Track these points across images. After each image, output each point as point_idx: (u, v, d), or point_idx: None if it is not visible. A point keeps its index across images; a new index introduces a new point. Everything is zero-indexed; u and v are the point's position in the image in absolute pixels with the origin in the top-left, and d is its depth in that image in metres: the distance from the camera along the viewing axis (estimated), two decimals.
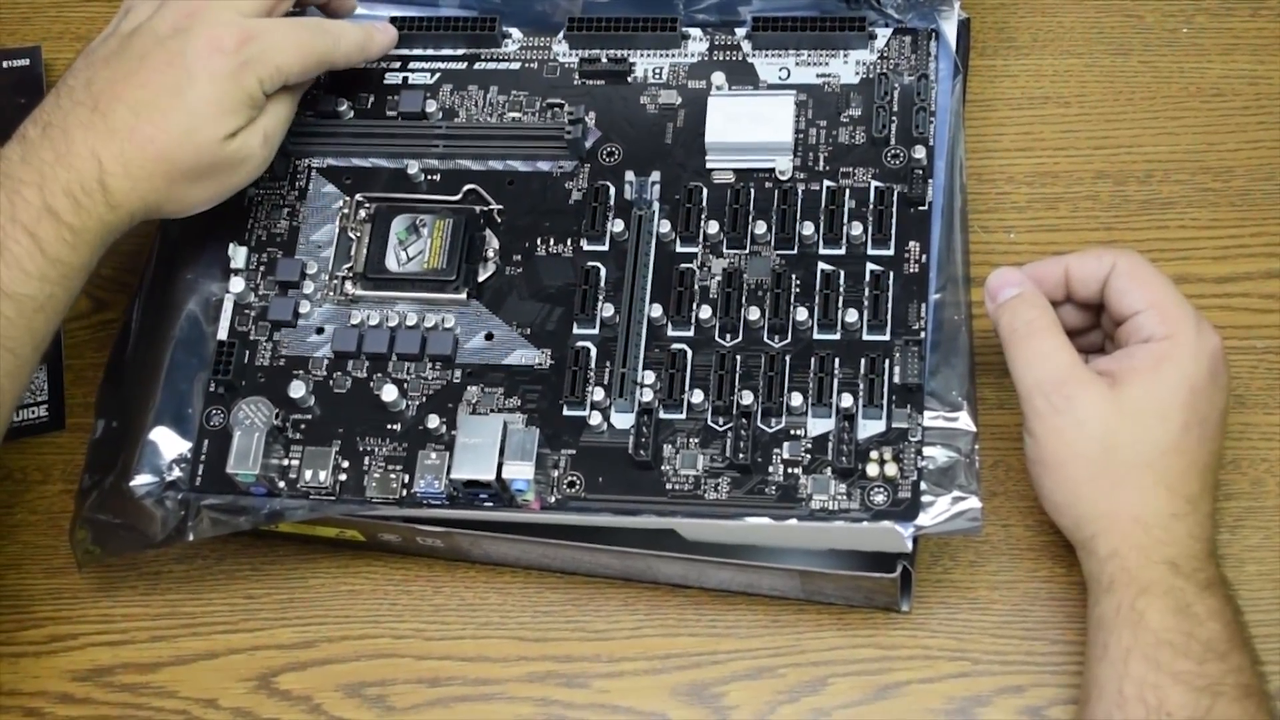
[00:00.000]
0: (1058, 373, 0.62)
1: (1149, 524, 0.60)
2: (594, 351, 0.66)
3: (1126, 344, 0.63)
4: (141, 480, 0.66)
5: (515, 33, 0.74)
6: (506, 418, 0.65)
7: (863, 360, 0.64)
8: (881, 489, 0.62)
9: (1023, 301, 0.64)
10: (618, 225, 0.68)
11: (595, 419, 0.65)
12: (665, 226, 0.68)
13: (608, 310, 0.67)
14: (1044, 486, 0.62)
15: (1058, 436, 0.61)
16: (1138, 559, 0.60)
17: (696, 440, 0.64)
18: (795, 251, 0.67)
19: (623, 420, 0.65)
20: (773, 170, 0.68)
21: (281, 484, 0.65)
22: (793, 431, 0.64)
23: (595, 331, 0.67)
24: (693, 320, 0.66)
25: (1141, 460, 0.60)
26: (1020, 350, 0.63)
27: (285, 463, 0.66)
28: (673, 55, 0.72)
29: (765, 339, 0.66)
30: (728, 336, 0.66)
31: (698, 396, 0.65)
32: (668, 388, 0.65)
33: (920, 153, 0.68)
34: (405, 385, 0.67)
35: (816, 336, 0.65)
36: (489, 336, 0.67)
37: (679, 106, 0.71)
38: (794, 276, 0.66)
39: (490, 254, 0.69)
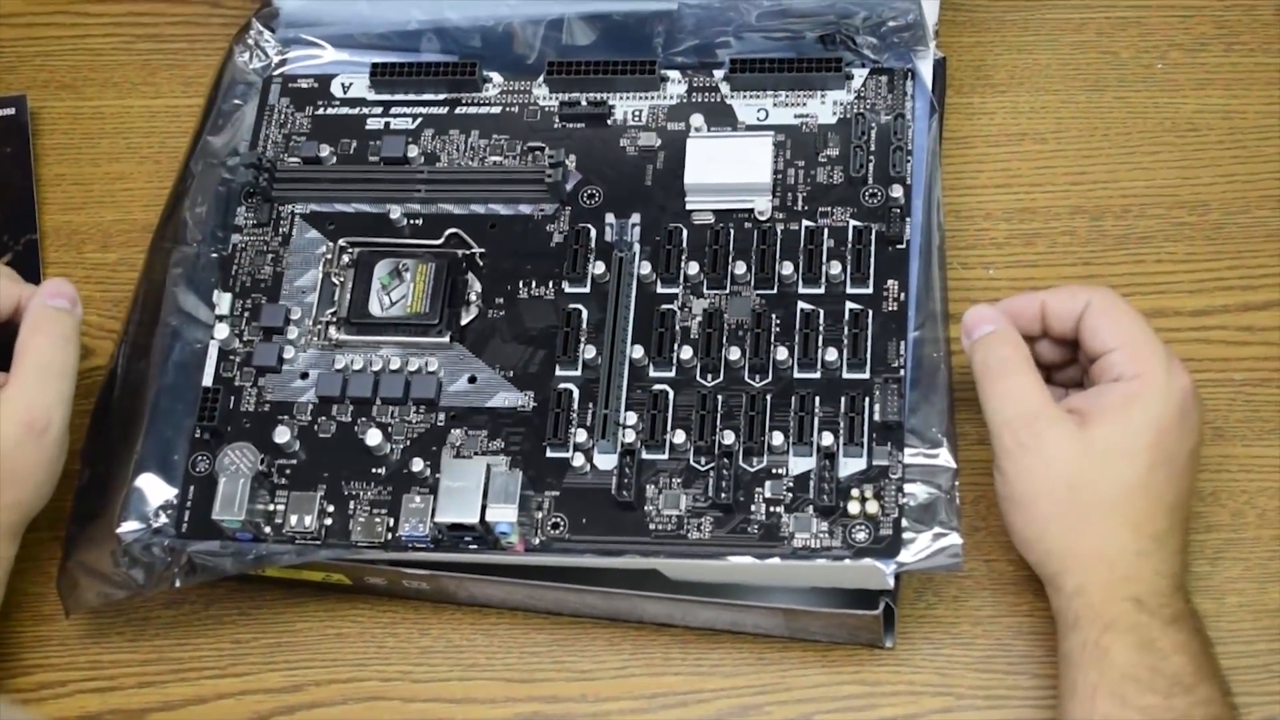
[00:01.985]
0: (1027, 411, 0.62)
1: (1114, 561, 0.60)
2: (576, 393, 0.67)
3: (1098, 382, 0.63)
4: (128, 527, 0.67)
5: (495, 77, 0.75)
6: (490, 460, 0.65)
7: (843, 399, 0.65)
8: (863, 526, 0.63)
9: (997, 339, 0.64)
10: (599, 267, 0.69)
11: (578, 460, 0.65)
12: (646, 268, 0.68)
13: (590, 352, 0.67)
14: (1013, 523, 0.62)
15: (1026, 474, 0.61)
16: (1102, 595, 0.60)
17: (679, 480, 0.65)
18: (775, 291, 0.67)
19: (605, 461, 0.65)
20: (752, 211, 0.69)
21: (267, 529, 0.66)
22: (774, 470, 0.64)
23: (577, 373, 0.67)
24: (674, 361, 0.67)
25: (1107, 499, 0.61)
26: (992, 388, 0.63)
27: (271, 508, 0.66)
28: (652, 97, 0.73)
29: (746, 379, 0.66)
30: (709, 376, 0.66)
31: (680, 437, 0.65)
32: (650, 428, 0.65)
33: (898, 191, 0.69)
34: (389, 429, 0.67)
35: (797, 375, 0.66)
36: (472, 379, 0.68)
37: (658, 148, 0.72)
38: (774, 316, 0.67)
39: (473, 297, 0.69)
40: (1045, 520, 0.61)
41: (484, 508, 0.64)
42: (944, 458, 0.64)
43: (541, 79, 0.74)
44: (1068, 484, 0.61)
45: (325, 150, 0.73)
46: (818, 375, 0.66)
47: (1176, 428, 0.62)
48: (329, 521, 0.66)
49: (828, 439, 0.64)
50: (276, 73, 0.77)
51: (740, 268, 0.68)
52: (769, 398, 0.65)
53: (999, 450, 0.62)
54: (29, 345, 0.66)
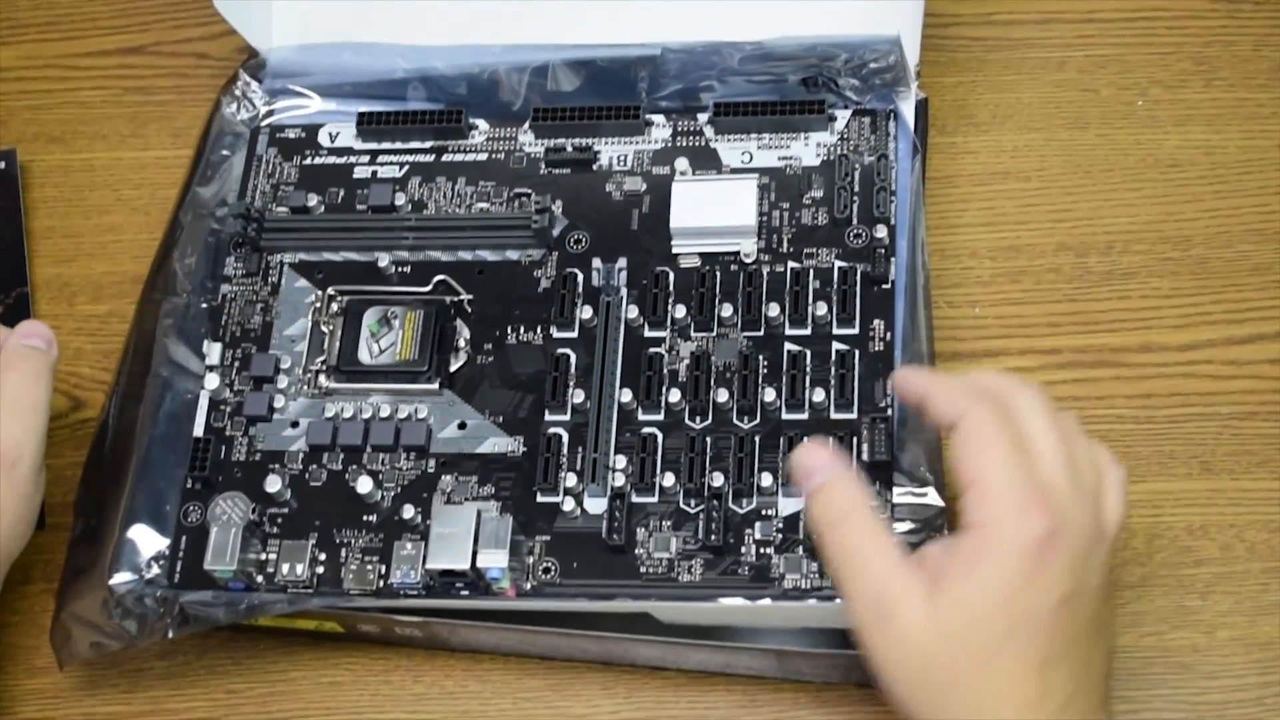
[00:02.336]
0: (874, 583, 0.56)
1: None
2: (566, 437, 0.67)
3: (959, 522, 0.57)
4: (121, 578, 0.67)
5: (481, 124, 0.75)
6: (480, 506, 0.65)
7: (831, 439, 0.65)
8: None
9: (832, 493, 0.58)
10: (586, 312, 0.69)
11: (568, 505, 0.66)
12: (633, 312, 0.69)
13: (578, 396, 0.67)
14: (886, 693, 0.56)
15: (881, 652, 0.55)
16: None
17: (669, 523, 0.65)
18: (762, 333, 0.68)
19: (595, 505, 0.66)
20: (738, 253, 0.70)
21: (259, 578, 0.66)
22: (764, 512, 0.64)
23: (567, 417, 0.67)
24: (662, 404, 0.67)
25: (963, 673, 0.55)
26: (834, 551, 0.57)
27: (263, 557, 0.66)
28: (636, 142, 0.73)
29: (734, 420, 0.66)
30: (697, 419, 0.67)
31: (669, 479, 0.65)
32: (639, 471, 0.66)
33: (882, 232, 0.69)
34: (380, 476, 0.67)
35: (785, 416, 0.66)
36: (462, 425, 0.68)
37: (644, 192, 0.72)
38: (761, 357, 0.67)
39: (461, 343, 0.70)
40: (908, 700, 0.55)
41: (475, 553, 0.64)
42: (932, 496, 0.64)
43: (527, 125, 0.75)
44: (920, 663, 0.55)
45: (313, 199, 0.74)
46: (806, 416, 0.66)
47: (1029, 584, 0.54)
48: (321, 570, 0.66)
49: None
50: (264, 123, 0.77)
51: (727, 310, 0.68)
52: (758, 439, 0.66)
53: (853, 620, 0.57)
54: (0, 382, 0.66)
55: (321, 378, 0.70)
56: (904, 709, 0.56)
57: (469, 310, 0.70)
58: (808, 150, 0.72)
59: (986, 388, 0.58)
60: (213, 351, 0.71)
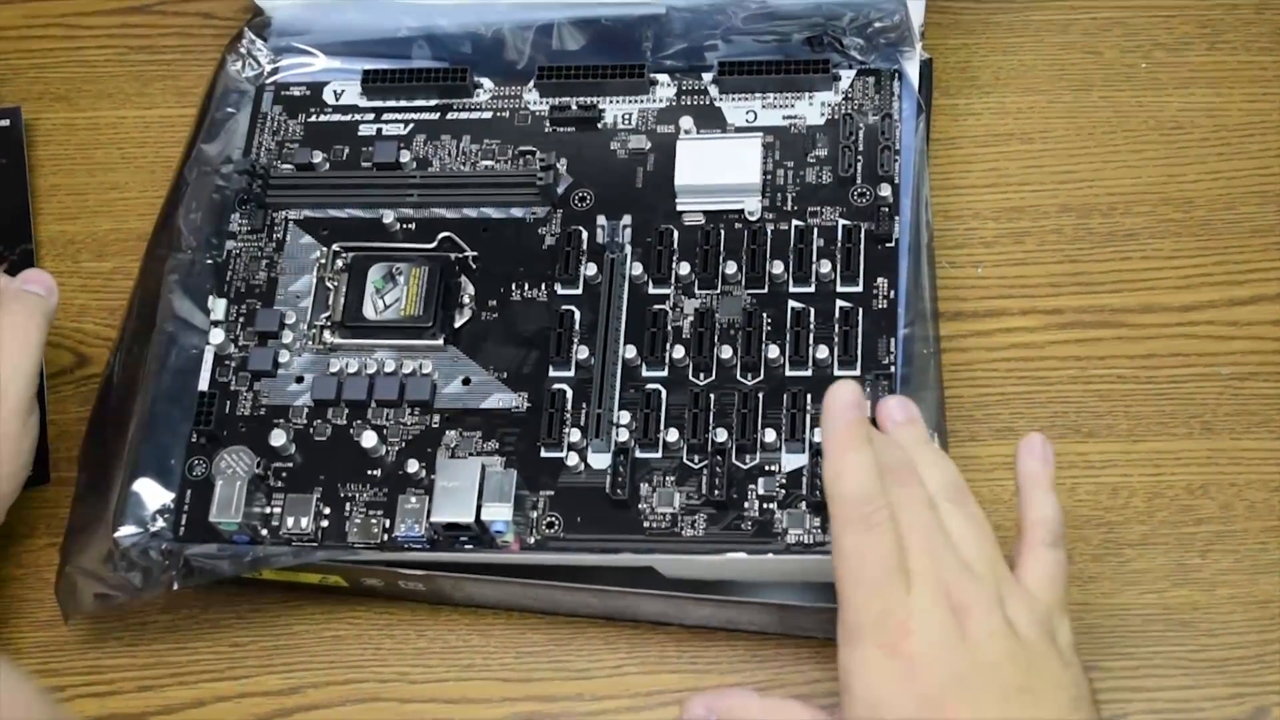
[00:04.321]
0: None
1: None
2: (570, 393, 0.67)
3: None
4: (126, 532, 0.67)
5: (486, 83, 0.75)
6: (485, 461, 0.66)
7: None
8: None
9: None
10: (591, 269, 0.69)
11: (572, 460, 0.66)
12: (637, 269, 0.69)
13: (583, 352, 0.68)
14: None
15: None
16: None
17: (673, 478, 0.65)
18: (766, 290, 0.68)
19: (599, 460, 0.66)
20: (742, 211, 0.70)
21: (264, 532, 0.66)
22: (767, 467, 0.65)
23: (571, 374, 0.68)
24: (666, 360, 0.67)
25: None
26: None
27: (268, 511, 0.67)
28: (641, 101, 0.73)
29: (738, 377, 0.67)
30: (701, 375, 0.67)
31: (673, 435, 0.66)
32: (643, 427, 0.66)
33: (886, 190, 0.69)
34: (384, 431, 0.68)
35: (788, 373, 0.66)
36: (466, 381, 0.68)
37: (648, 151, 0.72)
38: (765, 315, 0.67)
39: (466, 300, 0.70)
40: None
41: (479, 507, 0.64)
42: None
43: (532, 84, 0.75)
44: None
45: (318, 157, 0.74)
46: (809, 373, 0.66)
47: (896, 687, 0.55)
48: (325, 523, 0.66)
49: (820, 436, 0.64)
50: (269, 81, 0.77)
51: (731, 268, 0.68)
52: (761, 396, 0.66)
53: None
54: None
55: (326, 333, 0.70)
56: None
57: (474, 267, 0.71)
58: (812, 109, 0.72)
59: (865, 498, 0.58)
60: (218, 307, 0.71)
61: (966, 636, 0.56)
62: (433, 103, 0.75)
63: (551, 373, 0.68)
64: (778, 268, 0.68)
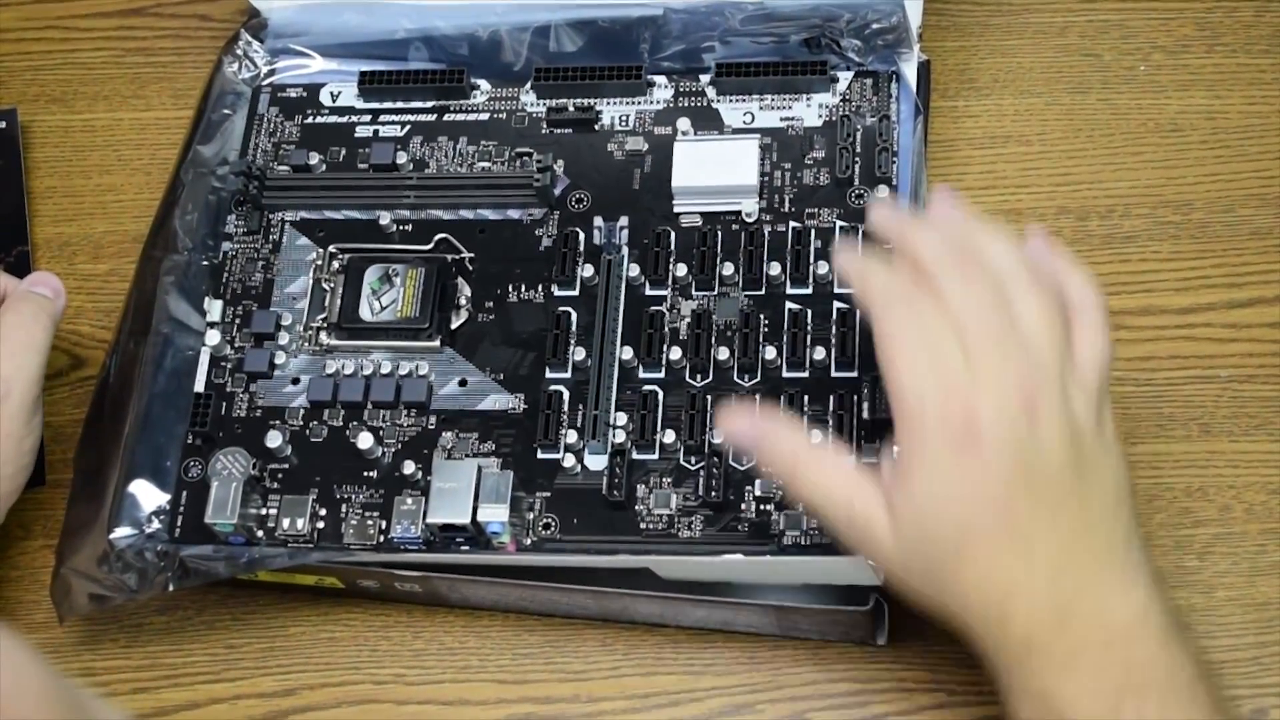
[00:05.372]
0: (843, 512, 0.57)
1: (983, 619, 0.56)
2: (566, 395, 0.67)
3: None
4: (121, 533, 0.67)
5: (483, 84, 0.75)
6: (481, 462, 0.65)
7: (831, 397, 0.65)
8: None
9: (772, 443, 0.59)
10: (588, 270, 0.69)
11: (569, 461, 0.66)
12: (634, 270, 0.69)
13: (579, 354, 0.67)
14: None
15: (875, 563, 0.59)
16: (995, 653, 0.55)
17: (669, 479, 0.65)
18: (763, 292, 0.68)
19: (596, 462, 0.66)
20: (739, 213, 0.70)
21: (260, 533, 0.66)
22: (764, 469, 0.64)
23: (567, 375, 0.67)
24: (663, 362, 0.67)
25: (941, 573, 0.56)
26: (801, 496, 0.58)
27: (263, 512, 0.66)
28: (638, 103, 0.73)
29: (735, 378, 0.66)
30: (698, 377, 0.67)
31: (670, 436, 0.65)
32: (640, 429, 0.66)
33: (884, 192, 0.69)
34: (381, 433, 0.67)
35: (786, 374, 0.66)
36: (463, 383, 0.68)
37: (645, 152, 0.72)
38: (762, 316, 0.67)
39: (462, 301, 0.70)
40: (912, 594, 0.58)
41: (475, 508, 0.64)
42: None
43: (529, 86, 0.74)
44: (904, 571, 0.57)
45: (315, 158, 0.74)
46: (806, 374, 0.66)
47: (964, 474, 0.55)
48: (321, 525, 0.66)
49: (817, 436, 0.64)
50: (265, 82, 0.77)
51: (728, 269, 0.68)
52: (758, 397, 0.66)
53: (843, 542, 0.59)
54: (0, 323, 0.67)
55: (323, 335, 0.70)
56: (919, 600, 0.58)
57: (470, 268, 0.70)
58: (810, 111, 0.72)
59: (917, 259, 0.57)
60: (214, 308, 0.71)
61: (1035, 436, 0.55)
62: (429, 104, 0.75)
63: (548, 374, 0.68)
64: (775, 269, 0.68)
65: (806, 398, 0.65)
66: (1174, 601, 0.56)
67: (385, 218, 0.72)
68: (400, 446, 0.67)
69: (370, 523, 0.66)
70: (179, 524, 0.67)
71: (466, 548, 0.65)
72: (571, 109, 0.73)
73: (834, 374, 0.66)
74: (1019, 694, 0.55)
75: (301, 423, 0.68)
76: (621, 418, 0.66)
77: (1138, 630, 0.54)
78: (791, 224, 0.69)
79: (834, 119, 0.71)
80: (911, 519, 0.56)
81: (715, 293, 0.68)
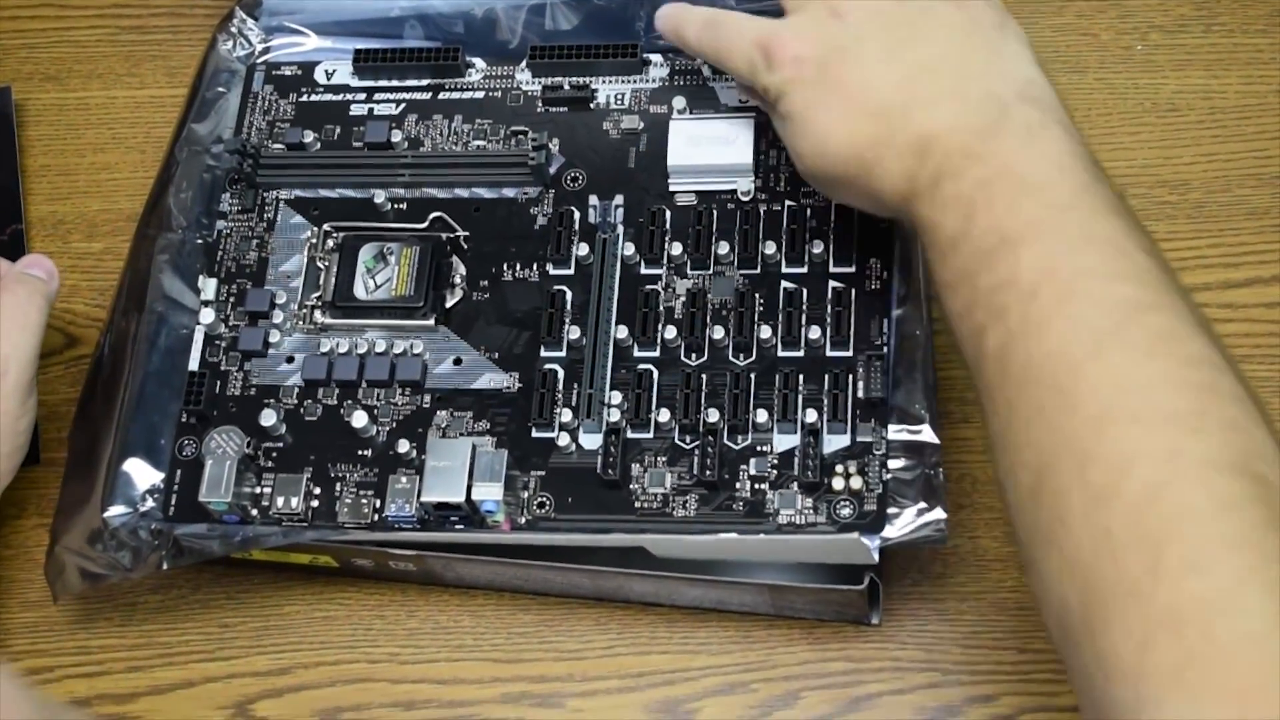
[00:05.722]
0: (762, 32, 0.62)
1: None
2: (561, 374, 0.67)
3: None
4: (115, 511, 0.67)
5: (478, 62, 0.75)
6: (475, 441, 0.65)
7: (826, 376, 0.65)
8: (847, 502, 0.63)
9: (678, 10, 0.67)
10: (583, 249, 0.69)
11: (563, 440, 0.66)
12: (629, 249, 0.69)
13: (574, 333, 0.67)
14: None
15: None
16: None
17: (664, 459, 0.65)
18: (758, 271, 0.68)
19: (591, 441, 0.66)
20: (734, 192, 0.69)
21: (254, 511, 0.66)
22: (759, 448, 0.64)
23: (562, 354, 0.67)
24: (658, 341, 0.67)
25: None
26: (709, 51, 0.65)
27: (257, 491, 0.66)
28: (634, 81, 0.73)
29: (730, 357, 0.66)
30: (693, 356, 0.67)
31: (664, 415, 0.65)
32: (634, 407, 0.66)
33: None
34: (375, 411, 0.67)
35: (780, 354, 0.66)
36: (457, 361, 0.68)
37: (641, 131, 0.72)
38: (757, 295, 0.67)
39: (457, 280, 0.70)
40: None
41: (470, 487, 0.64)
42: (927, 434, 0.64)
43: (524, 64, 0.74)
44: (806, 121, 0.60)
45: (309, 136, 0.74)
46: (801, 353, 0.66)
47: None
48: (315, 503, 0.66)
49: (812, 416, 0.64)
50: (260, 60, 0.77)
51: (723, 248, 0.68)
52: (753, 376, 0.66)
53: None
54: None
55: (317, 313, 0.70)
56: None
57: (465, 247, 0.70)
58: None
59: None
60: (208, 287, 0.71)
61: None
62: (424, 82, 0.75)
63: (543, 353, 0.67)
64: (770, 248, 0.68)
65: (801, 377, 0.65)
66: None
67: (380, 196, 0.72)
68: (395, 425, 0.67)
69: (365, 501, 0.66)
70: (173, 502, 0.67)
71: (461, 526, 0.65)
72: (567, 87, 0.73)
73: (829, 353, 0.66)
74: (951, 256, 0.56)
75: (296, 401, 0.68)
76: (616, 397, 0.66)
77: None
78: (787, 203, 0.69)
79: None
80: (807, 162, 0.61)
81: (710, 272, 0.68)
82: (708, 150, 0.70)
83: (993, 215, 0.55)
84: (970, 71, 0.58)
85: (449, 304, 0.69)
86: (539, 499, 0.65)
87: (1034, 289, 0.53)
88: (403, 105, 0.74)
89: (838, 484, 0.63)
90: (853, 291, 0.67)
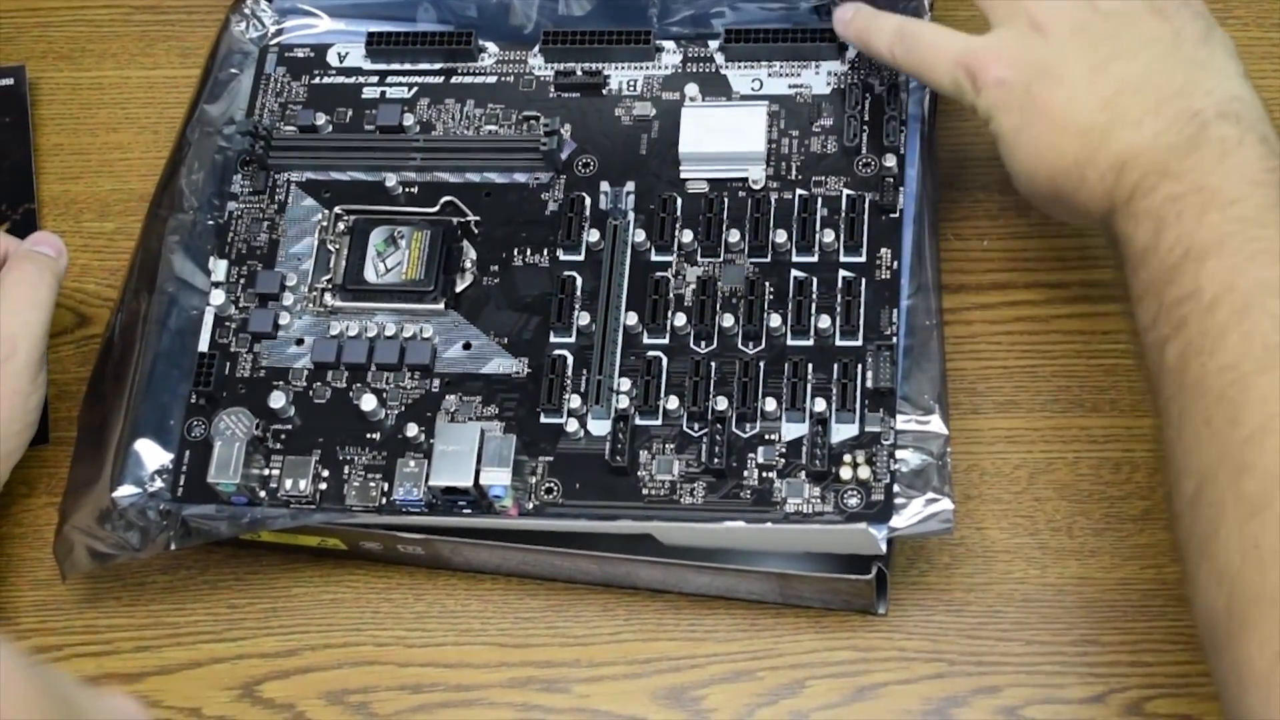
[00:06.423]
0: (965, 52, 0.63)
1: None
2: (570, 359, 0.67)
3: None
4: (124, 492, 0.67)
5: (491, 47, 0.75)
6: (484, 425, 0.65)
7: (835, 365, 0.65)
8: (855, 492, 0.63)
9: (872, 18, 0.66)
10: (593, 235, 0.69)
11: (572, 426, 0.66)
12: (640, 236, 0.69)
13: (584, 319, 0.67)
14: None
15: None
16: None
17: (672, 446, 0.65)
18: (768, 259, 0.68)
19: (599, 427, 0.66)
20: (746, 180, 0.69)
21: (262, 493, 0.66)
22: (767, 436, 0.64)
23: (572, 340, 0.67)
24: (668, 328, 0.67)
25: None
26: (904, 62, 0.65)
27: (266, 472, 0.66)
28: (647, 68, 0.73)
29: (739, 345, 0.66)
30: (702, 343, 0.67)
31: (673, 403, 0.65)
32: (643, 394, 0.66)
33: (891, 161, 0.69)
34: (384, 395, 0.67)
35: (790, 342, 0.66)
36: (467, 346, 0.68)
37: (653, 118, 0.72)
38: (767, 284, 0.67)
39: (468, 264, 0.70)
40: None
41: (478, 471, 0.64)
42: (935, 424, 0.64)
43: (537, 49, 0.74)
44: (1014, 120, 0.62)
45: (321, 119, 0.74)
46: (810, 342, 0.66)
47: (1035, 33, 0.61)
48: (324, 486, 0.66)
49: (820, 405, 0.64)
50: (273, 42, 0.77)
51: (734, 236, 0.68)
52: (762, 364, 0.66)
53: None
54: (2, 281, 0.67)
55: (327, 296, 0.70)
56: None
57: (476, 231, 0.70)
58: (818, 78, 0.72)
59: None
60: (219, 268, 0.71)
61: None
62: (437, 66, 0.75)
63: (552, 338, 0.68)
64: (781, 236, 0.68)
65: (810, 366, 0.65)
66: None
67: (391, 179, 0.72)
68: (403, 409, 0.67)
69: (373, 485, 0.66)
70: (182, 483, 0.67)
71: (469, 511, 0.65)
72: (579, 73, 0.73)
73: (838, 343, 0.66)
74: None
75: (305, 384, 0.68)
76: (625, 383, 0.66)
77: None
78: (798, 191, 0.69)
79: (843, 87, 0.71)
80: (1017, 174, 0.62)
81: (721, 259, 0.68)
82: (719, 138, 0.70)
83: (1180, 229, 0.55)
84: (1172, 89, 0.58)
85: (459, 288, 0.69)
86: (547, 484, 0.65)
87: (1214, 302, 0.53)
88: (415, 89, 0.74)
89: (845, 473, 0.63)
90: (863, 281, 0.67)
